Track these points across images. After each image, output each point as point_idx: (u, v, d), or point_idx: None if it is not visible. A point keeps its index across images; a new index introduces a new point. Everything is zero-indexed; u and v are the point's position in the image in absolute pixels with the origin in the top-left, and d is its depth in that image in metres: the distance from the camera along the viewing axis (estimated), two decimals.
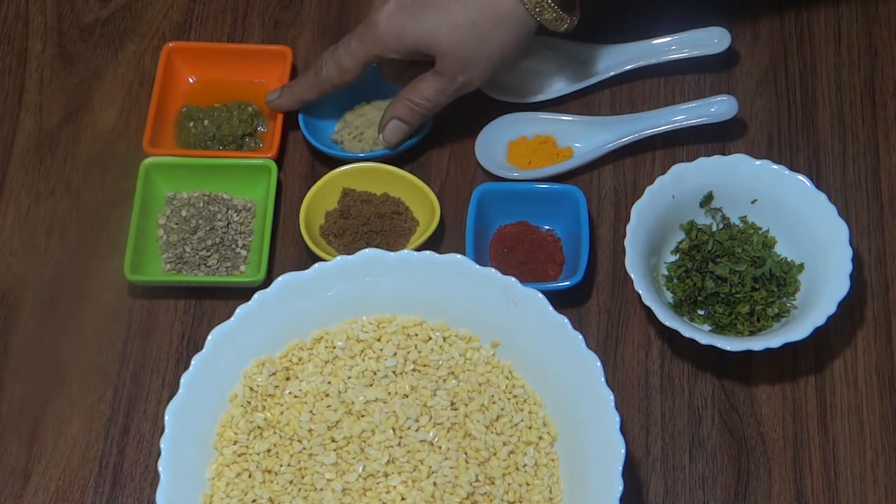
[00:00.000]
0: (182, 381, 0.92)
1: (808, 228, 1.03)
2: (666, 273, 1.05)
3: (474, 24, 1.01)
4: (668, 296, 1.04)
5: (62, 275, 1.07)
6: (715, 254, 1.03)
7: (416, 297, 0.96)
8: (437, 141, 1.12)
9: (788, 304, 1.03)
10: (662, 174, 1.04)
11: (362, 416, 0.94)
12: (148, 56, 1.17)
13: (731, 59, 1.08)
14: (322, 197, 1.08)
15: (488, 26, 1.01)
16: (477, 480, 0.91)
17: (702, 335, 0.98)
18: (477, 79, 1.04)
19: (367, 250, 0.96)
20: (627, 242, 1.01)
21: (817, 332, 0.98)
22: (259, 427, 0.94)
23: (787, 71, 1.15)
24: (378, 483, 0.92)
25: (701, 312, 1.03)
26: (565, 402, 0.93)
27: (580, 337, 0.92)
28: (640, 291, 0.99)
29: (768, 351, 0.98)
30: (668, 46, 1.13)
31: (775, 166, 1.04)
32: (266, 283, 0.97)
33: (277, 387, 0.95)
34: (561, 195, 1.06)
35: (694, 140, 1.11)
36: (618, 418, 0.89)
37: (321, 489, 0.92)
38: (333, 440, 0.93)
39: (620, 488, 0.87)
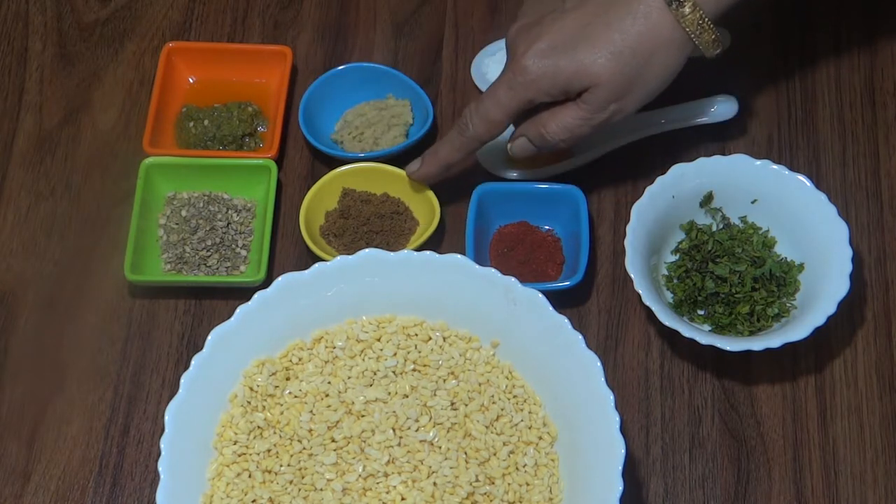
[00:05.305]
0: (182, 381, 0.92)
1: (808, 228, 1.03)
2: (666, 273, 1.05)
3: (634, 52, 0.96)
4: (668, 296, 1.04)
5: (62, 275, 1.07)
6: (715, 254, 1.03)
7: (416, 297, 0.96)
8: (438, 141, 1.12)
9: (788, 304, 1.02)
10: (662, 174, 1.04)
11: (362, 416, 0.94)
12: (148, 56, 1.17)
13: (731, 60, 1.08)
14: (322, 197, 1.08)
15: (648, 53, 0.96)
16: (477, 480, 0.91)
17: (702, 335, 0.98)
18: (629, 108, 0.99)
19: (367, 250, 0.96)
20: (627, 242, 1.01)
21: (817, 332, 0.98)
22: (259, 427, 0.94)
23: (788, 71, 1.15)
24: (378, 483, 0.92)
25: (701, 312, 1.03)
26: (565, 402, 0.93)
27: (580, 337, 0.92)
28: (640, 291, 0.99)
29: (768, 351, 0.98)
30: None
31: (775, 166, 1.04)
32: (266, 283, 0.97)
33: (277, 387, 0.95)
34: (561, 195, 1.06)
35: (694, 140, 1.11)
36: (618, 418, 0.89)
37: (321, 489, 0.92)
38: (333, 440, 0.93)
39: (620, 488, 0.87)
